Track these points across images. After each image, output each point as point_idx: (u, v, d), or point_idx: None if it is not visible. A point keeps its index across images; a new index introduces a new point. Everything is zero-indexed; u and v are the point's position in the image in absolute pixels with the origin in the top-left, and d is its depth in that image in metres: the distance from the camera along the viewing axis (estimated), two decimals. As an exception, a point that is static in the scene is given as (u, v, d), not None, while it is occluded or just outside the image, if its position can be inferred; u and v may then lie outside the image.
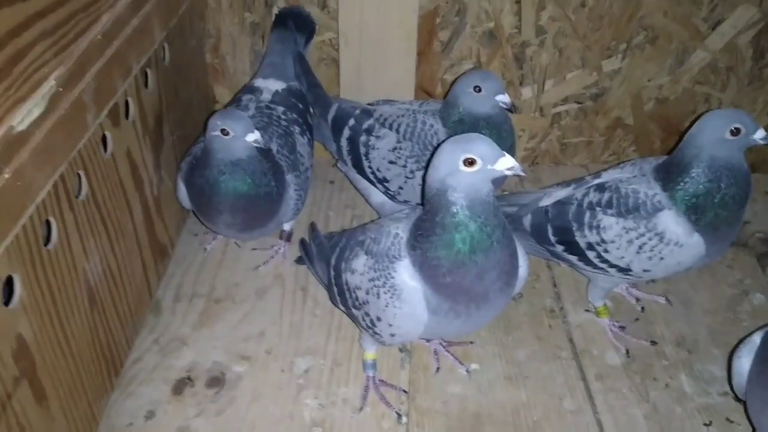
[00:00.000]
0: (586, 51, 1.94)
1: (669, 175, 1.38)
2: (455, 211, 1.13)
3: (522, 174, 1.14)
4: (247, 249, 1.78)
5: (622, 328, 1.59)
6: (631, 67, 1.96)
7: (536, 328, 1.61)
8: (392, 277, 1.20)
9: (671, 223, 1.34)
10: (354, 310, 1.32)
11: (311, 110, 1.76)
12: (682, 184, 1.34)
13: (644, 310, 1.65)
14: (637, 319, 1.63)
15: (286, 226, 1.75)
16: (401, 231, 1.24)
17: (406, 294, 1.19)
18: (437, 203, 1.15)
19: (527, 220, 1.55)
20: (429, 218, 1.17)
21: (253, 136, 1.42)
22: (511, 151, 1.61)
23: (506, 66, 1.96)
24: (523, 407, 1.43)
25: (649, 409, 1.43)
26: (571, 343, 1.58)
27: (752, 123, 1.30)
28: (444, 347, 1.53)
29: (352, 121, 1.69)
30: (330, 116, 1.73)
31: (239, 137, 1.42)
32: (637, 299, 1.67)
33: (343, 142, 1.69)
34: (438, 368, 1.50)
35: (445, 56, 1.95)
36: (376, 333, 1.29)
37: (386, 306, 1.22)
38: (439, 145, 1.16)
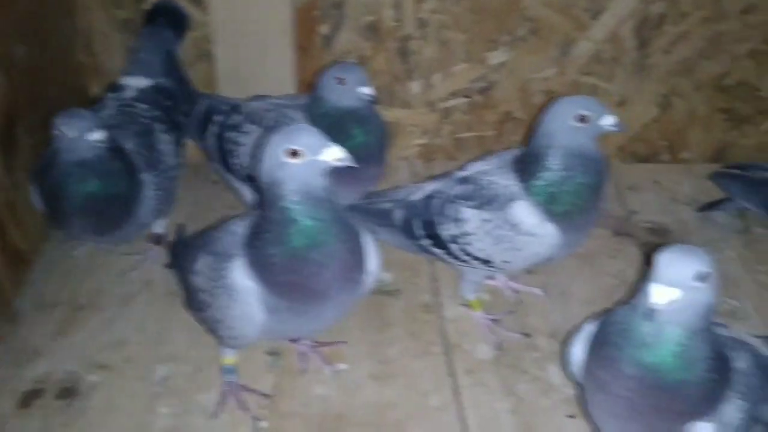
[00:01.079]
0: (470, 44, 1.92)
1: (523, 165, 1.36)
2: (286, 205, 1.09)
3: (353, 165, 1.10)
4: (118, 254, 1.71)
5: (495, 321, 1.57)
6: (517, 59, 1.95)
7: (410, 325, 1.58)
8: (226, 277, 1.16)
9: (524, 213, 1.32)
10: (200, 313, 1.27)
11: (182, 108, 1.71)
12: (535, 174, 1.32)
13: (521, 302, 1.63)
14: (512, 312, 1.61)
15: (158, 229, 1.69)
16: (241, 228, 1.20)
17: (240, 294, 1.15)
18: (269, 198, 1.11)
19: (397, 215, 1.51)
20: (264, 214, 1.13)
21: (96, 135, 1.36)
22: (382, 144, 1.58)
23: (391, 60, 1.93)
24: (387, 406, 1.40)
25: (515, 402, 1.41)
26: (444, 338, 1.55)
27: (600, 109, 1.28)
28: (313, 348, 1.48)
29: (219, 118, 1.64)
30: (199, 113, 1.68)
31: (81, 137, 1.36)
32: (515, 291, 1.65)
33: (210, 139, 1.64)
34: (304, 370, 1.46)
35: (327, 51, 1.91)
36: (219, 336, 1.24)
37: (223, 307, 1.17)
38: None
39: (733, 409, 0.97)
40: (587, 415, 1.15)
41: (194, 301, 1.28)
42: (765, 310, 1.63)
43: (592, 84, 2.00)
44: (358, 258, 1.18)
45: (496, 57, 1.94)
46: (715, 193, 1.90)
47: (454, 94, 2.00)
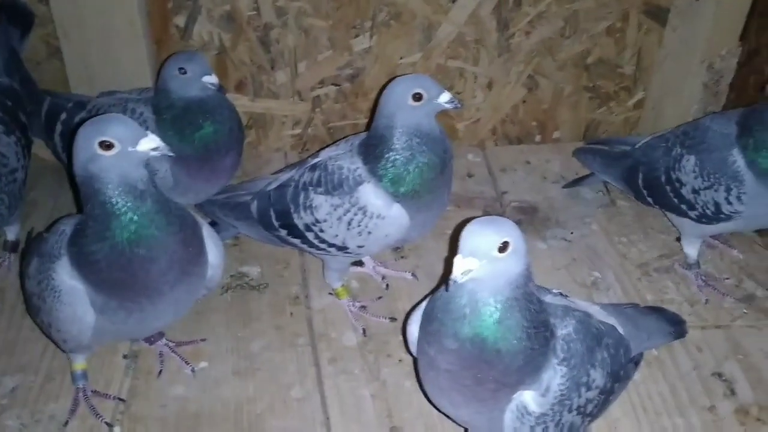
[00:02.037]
0: (333, 30, 1.89)
1: (368, 148, 1.35)
2: (104, 200, 1.04)
3: (170, 154, 1.06)
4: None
5: (363, 308, 1.55)
6: (381, 45, 1.94)
7: (277, 318, 1.55)
8: (52, 278, 1.10)
9: (371, 196, 1.31)
10: (35, 318, 1.21)
11: (25, 107, 1.62)
12: (378, 156, 1.32)
13: (389, 287, 1.62)
14: (380, 297, 1.60)
15: (9, 236, 1.61)
16: (69, 227, 1.14)
17: (65, 295, 1.09)
18: (86, 193, 1.06)
19: (253, 207, 1.48)
20: (86, 211, 1.08)
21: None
22: (234, 134, 1.54)
23: (252, 50, 1.89)
24: (248, 401, 1.37)
25: (378, 386, 1.40)
26: (311, 328, 1.52)
27: (435, 87, 1.28)
28: (171, 348, 1.44)
29: (64, 116, 1.57)
30: (43, 112, 1.60)
31: None
32: (383, 277, 1.64)
33: (57, 138, 1.57)
34: (161, 371, 1.41)
35: (185, 43, 1.85)
36: (54, 340, 1.19)
37: (52, 309, 1.12)
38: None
39: (554, 375, 0.98)
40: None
41: (29, 307, 1.21)
42: (625, 279, 1.67)
43: (458, 67, 2.01)
44: (195, 251, 1.15)
45: (361, 43, 1.93)
46: (584, 170, 1.94)
47: (322, 83, 1.97)
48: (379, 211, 1.31)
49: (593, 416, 1.09)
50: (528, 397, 0.97)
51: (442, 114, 2.04)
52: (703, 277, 1.64)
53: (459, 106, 1.31)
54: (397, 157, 1.30)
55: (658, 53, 2.02)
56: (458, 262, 0.91)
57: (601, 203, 1.90)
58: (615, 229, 1.82)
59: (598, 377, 1.04)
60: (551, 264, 1.72)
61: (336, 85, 1.98)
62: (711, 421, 1.36)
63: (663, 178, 1.54)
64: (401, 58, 1.97)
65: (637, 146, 1.68)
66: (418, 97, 1.27)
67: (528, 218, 1.86)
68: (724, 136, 1.42)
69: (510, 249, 0.92)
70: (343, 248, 1.39)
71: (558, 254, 1.75)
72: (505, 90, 2.05)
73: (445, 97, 1.28)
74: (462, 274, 0.91)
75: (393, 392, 1.38)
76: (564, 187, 1.94)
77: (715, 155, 1.43)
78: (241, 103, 1.96)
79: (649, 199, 1.61)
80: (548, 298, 1.08)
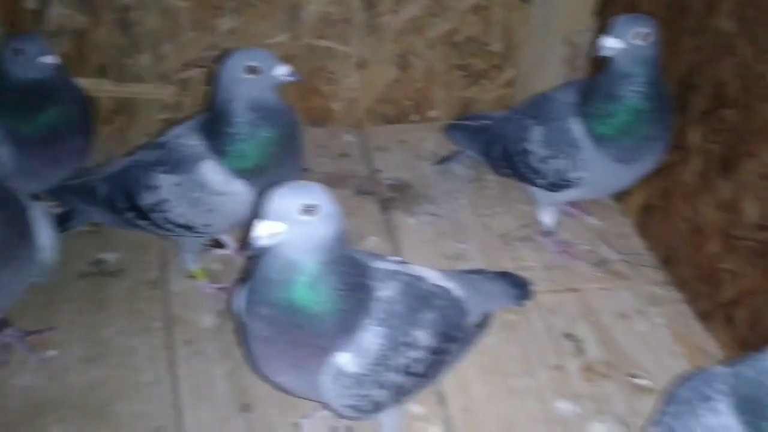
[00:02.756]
0: (196, 11, 1.87)
1: (209, 124, 1.33)
2: None
3: None
4: None
5: (221, 289, 1.54)
6: (247, 25, 1.92)
7: (132, 303, 1.52)
8: None
9: (211, 172, 1.30)
10: None
11: None
12: (218, 132, 1.30)
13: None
14: (242, 278, 1.58)
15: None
16: None
17: None
18: None
19: (101, 191, 1.44)
20: None
21: None
22: (81, 116, 1.50)
23: (112, 33, 1.84)
24: (95, 387, 1.34)
25: (232, 366, 1.39)
26: (167, 312, 1.50)
27: (270, 59, 1.28)
28: (18, 337, 1.39)
29: None
30: None
31: None
32: (246, 258, 1.63)
33: None
34: (6, 362, 1.36)
35: (40, 26, 1.79)
36: None
37: None
38: None
39: (370, 336, 0.99)
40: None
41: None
42: (487, 249, 1.71)
43: (327, 47, 2.01)
44: (18, 233, 1.11)
45: (225, 23, 1.90)
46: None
47: (187, 65, 1.94)
48: (221, 188, 1.30)
49: (427, 376, 1.11)
50: (343, 359, 0.98)
51: (317, 96, 2.07)
52: (560, 244, 1.69)
53: (300, 79, 1.31)
54: (238, 132, 1.29)
55: (524, 30, 2.06)
56: (260, 225, 0.91)
57: (469, 178, 1.94)
58: (481, 203, 1.86)
59: (423, 337, 1.05)
60: (419, 238, 1.74)
61: (202, 66, 1.95)
62: (558, 379, 1.40)
63: (515, 149, 1.57)
64: (268, 39, 1.95)
65: (495, 120, 1.72)
66: (252, 70, 1.26)
67: (400, 195, 1.88)
68: (566, 105, 1.47)
69: (318, 213, 0.93)
70: (190, 228, 1.37)
71: (426, 228, 1.77)
72: (377, 69, 2.06)
73: (281, 70, 1.28)
74: (264, 237, 0.91)
75: (247, 371, 1.37)
76: (435, 164, 1.96)
77: (558, 124, 1.47)
78: (105, 87, 1.91)
79: (506, 171, 1.65)
80: (378, 264, 1.09)
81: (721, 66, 1.39)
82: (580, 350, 1.47)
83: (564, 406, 1.36)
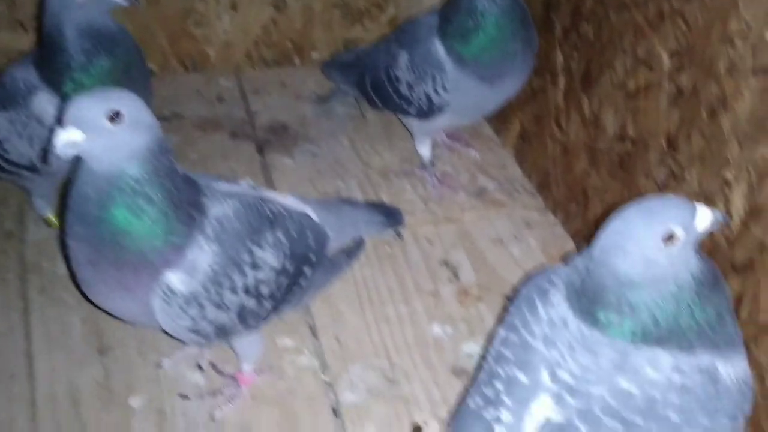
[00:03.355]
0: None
1: (42, 54, 1.24)
2: None
3: None
4: None
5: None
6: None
7: (-14, 255, 1.42)
8: None
9: (46, 105, 1.21)
10: None
11: None
12: (52, 62, 1.21)
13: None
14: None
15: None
16: None
17: None
18: None
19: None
20: None
21: None
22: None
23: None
24: (-61, 342, 1.24)
25: (89, 311, 1.31)
26: (22, 262, 1.41)
27: None
28: None
29: None
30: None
31: None
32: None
33: None
34: None
35: None
36: None
37: None
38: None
39: (202, 253, 0.94)
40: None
41: None
42: (366, 185, 1.68)
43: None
44: None
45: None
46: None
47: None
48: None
49: (281, 300, 1.07)
50: (172, 278, 0.92)
51: (189, 39, 1.98)
52: (439, 176, 1.67)
53: (137, 2, 1.23)
54: (72, 61, 1.20)
55: (402, -33, 2.02)
56: (59, 133, 0.84)
57: (350, 117, 1.90)
58: (362, 140, 1.82)
59: (269, 257, 1.01)
60: (296, 178, 1.70)
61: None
62: (434, 304, 1.39)
63: (384, 78, 1.54)
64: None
65: (366, 51, 1.68)
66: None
67: (277, 137, 1.83)
68: (428, 27, 1.44)
69: (123, 120, 0.86)
70: (33, 168, 1.28)
71: (304, 168, 1.73)
72: (251, 11, 1.99)
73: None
74: (62, 146, 0.84)
75: (105, 315, 1.29)
76: (316, 104, 1.91)
77: (421, 47, 1.44)
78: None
79: (378, 102, 1.61)
80: (218, 185, 1.03)
81: (579, -19, 1.39)
82: (455, 276, 1.46)
83: (438, 329, 1.35)
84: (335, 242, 1.21)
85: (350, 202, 1.37)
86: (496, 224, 1.59)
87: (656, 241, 0.76)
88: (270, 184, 1.66)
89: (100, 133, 0.85)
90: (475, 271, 1.47)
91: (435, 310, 1.39)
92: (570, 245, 1.53)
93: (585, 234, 1.47)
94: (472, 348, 1.31)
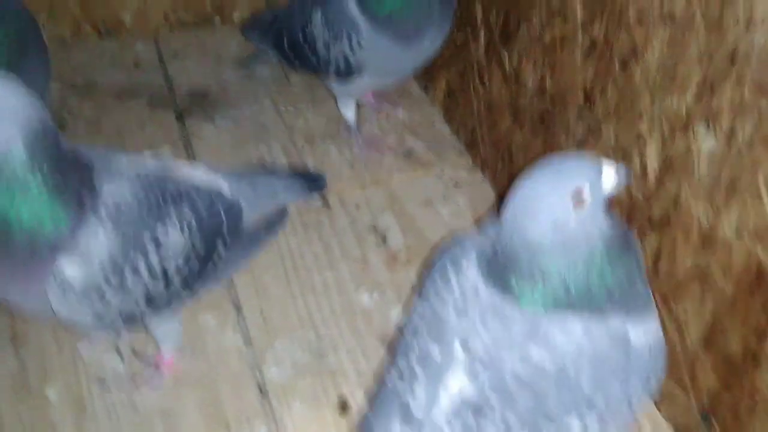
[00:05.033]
0: None
1: None
2: None
3: None
4: None
5: None
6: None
7: None
8: None
9: None
10: None
11: None
12: None
13: None
14: None
15: None
16: None
17: None
18: None
19: None
20: None
21: None
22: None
23: None
24: None
25: (-1, 300, 1.25)
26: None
27: None
28: None
29: None
30: None
31: None
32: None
33: None
34: None
35: None
36: None
37: None
38: None
39: (96, 234, 0.88)
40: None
41: None
42: (291, 149, 1.64)
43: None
44: None
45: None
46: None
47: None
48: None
49: (194, 279, 1.02)
50: (66, 266, 0.87)
51: (102, 4, 1.87)
52: (365, 139, 1.63)
53: None
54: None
55: None
56: None
57: (273, 79, 1.83)
58: (285, 103, 1.77)
59: (173, 235, 0.96)
60: (218, 145, 1.64)
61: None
62: (361, 271, 1.37)
63: (300, 37, 1.48)
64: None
65: (283, 9, 1.61)
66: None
67: (197, 103, 1.76)
68: (342, -16, 1.37)
69: None
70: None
71: (226, 134, 1.67)
72: (165, -30, 1.89)
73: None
74: None
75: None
76: (237, 67, 1.84)
77: (335, 5, 1.38)
78: None
79: (296, 62, 1.55)
80: (119, 163, 0.97)
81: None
82: (383, 241, 1.43)
83: (366, 297, 1.32)
84: (252, 214, 1.17)
85: (268, 170, 1.32)
86: (425, 185, 1.57)
87: (565, 203, 0.74)
88: (190, 153, 1.60)
89: None
90: (403, 235, 1.45)
91: (363, 277, 1.36)
92: (497, 204, 1.51)
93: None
94: (401, 315, 1.30)
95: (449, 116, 1.70)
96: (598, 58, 1.10)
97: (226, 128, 1.69)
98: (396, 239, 1.44)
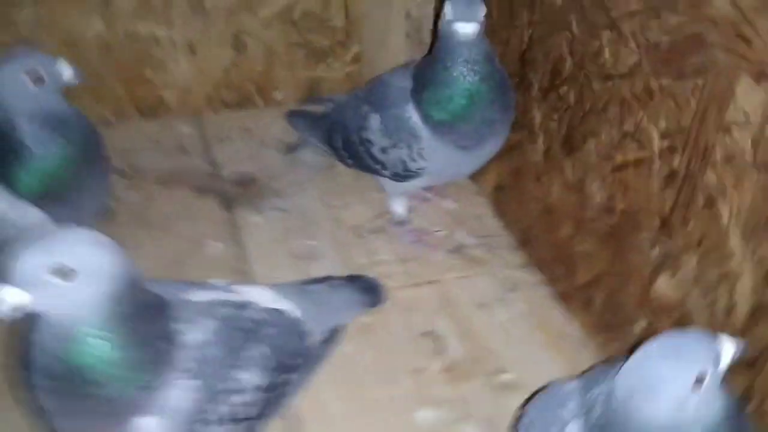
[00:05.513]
0: (-14, 2, 1.61)
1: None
2: None
3: None
4: None
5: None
6: (51, 14, 1.69)
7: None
8: None
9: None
10: None
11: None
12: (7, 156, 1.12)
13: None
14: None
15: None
16: None
17: None
18: None
19: None
20: None
21: None
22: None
23: None
24: None
25: None
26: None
27: (50, 61, 1.10)
28: None
29: None
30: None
31: None
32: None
33: None
34: None
35: None
36: None
37: None
38: None
39: (180, 392, 0.86)
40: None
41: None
42: (339, 245, 1.61)
43: (150, 32, 1.81)
44: None
45: (24, 14, 1.66)
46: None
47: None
48: (15, 220, 1.11)
49: (265, 415, 0.99)
50: (147, 425, 0.84)
51: (144, 84, 1.86)
52: (414, 233, 1.60)
53: (84, 79, 1.14)
54: (28, 155, 1.10)
55: (364, 3, 1.94)
56: (3, 289, 0.75)
57: (320, 167, 1.82)
58: (332, 193, 1.75)
59: (252, 377, 0.93)
60: (266, 238, 1.62)
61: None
62: (420, 384, 1.33)
63: (356, 139, 1.46)
64: (80, 29, 1.74)
65: (335, 105, 1.60)
66: (34, 77, 1.07)
67: (244, 191, 1.74)
68: (401, 90, 1.36)
69: (75, 276, 0.77)
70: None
71: (273, 226, 1.65)
72: (210, 53, 1.89)
73: (66, 72, 1.10)
74: (7, 306, 0.75)
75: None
76: (285, 153, 1.83)
77: (394, 112, 1.37)
78: None
79: (350, 161, 1.54)
80: (190, 298, 0.95)
81: (556, 41, 1.32)
82: (441, 348, 1.40)
83: (426, 415, 1.28)
84: (317, 335, 1.14)
85: (330, 282, 1.29)
86: (478, 285, 1.53)
87: (687, 384, 0.72)
88: (239, 247, 1.58)
89: (49, 291, 0.76)
90: (461, 342, 1.41)
91: (422, 391, 1.32)
92: (559, 309, 1.47)
93: (575, 299, 1.42)
94: (464, 435, 1.25)
95: (499, 209, 1.68)
96: (678, 189, 1.08)
97: (274, 219, 1.67)
98: (454, 347, 1.40)
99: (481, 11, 1.21)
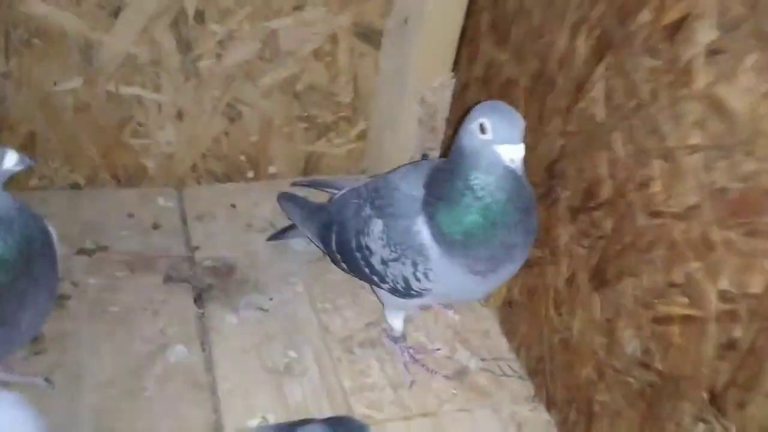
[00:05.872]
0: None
1: None
2: None
3: None
4: None
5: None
6: (25, 69, 1.51)
7: None
8: None
9: None
10: None
11: None
12: None
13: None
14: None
15: None
16: None
17: None
18: None
19: None
20: None
21: None
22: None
23: None
24: None
25: None
26: None
27: None
28: None
29: None
30: None
31: None
32: (7, 384, 1.23)
33: None
34: None
35: None
36: None
37: None
38: None
39: None
40: None
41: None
42: (324, 358, 1.40)
43: (135, 95, 1.63)
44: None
45: (-5, 67, 1.49)
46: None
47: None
48: None
49: None
50: None
51: (124, 151, 1.66)
52: (411, 351, 1.40)
53: (33, 162, 0.95)
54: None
55: (375, 80, 1.77)
56: None
57: (310, 257, 1.62)
58: (321, 292, 1.55)
59: None
60: (238, 345, 1.41)
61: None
62: None
63: (353, 243, 1.27)
64: (56, 84, 1.55)
65: (334, 198, 1.41)
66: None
67: (221, 282, 1.54)
68: (411, 199, 1.18)
69: None
70: None
71: (249, 330, 1.44)
72: (200, 121, 1.71)
73: (11, 159, 0.92)
74: None
75: None
76: (268, 239, 1.63)
77: (401, 223, 1.18)
78: None
79: (344, 265, 1.34)
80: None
81: (594, 159, 1.14)
82: (431, 503, 1.18)
83: None
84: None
85: (308, 422, 1.08)
86: (480, 422, 1.33)
87: None
88: (206, 355, 1.37)
89: None
90: (455, 498, 1.20)
91: None
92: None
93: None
94: None
95: (507, 329, 1.48)
96: (738, 365, 0.88)
97: (251, 321, 1.46)
98: (446, 502, 1.19)
99: (523, 128, 1.03)
